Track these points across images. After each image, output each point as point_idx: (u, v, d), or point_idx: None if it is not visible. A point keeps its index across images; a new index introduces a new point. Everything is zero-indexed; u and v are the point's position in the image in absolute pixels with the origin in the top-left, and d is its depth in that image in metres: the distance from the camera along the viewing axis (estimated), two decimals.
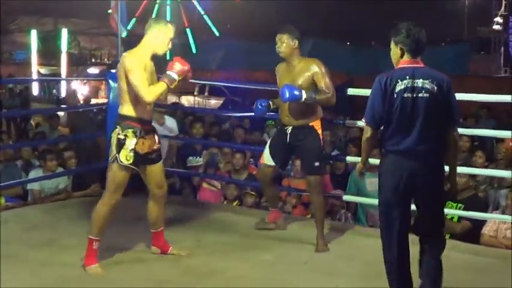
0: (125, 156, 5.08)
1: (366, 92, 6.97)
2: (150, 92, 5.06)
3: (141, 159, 5.18)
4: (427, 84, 4.28)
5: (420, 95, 4.27)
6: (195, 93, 26.38)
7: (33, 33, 33.15)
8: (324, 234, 6.03)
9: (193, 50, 22.03)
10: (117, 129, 5.12)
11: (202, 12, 21.32)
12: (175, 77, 5.17)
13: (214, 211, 7.28)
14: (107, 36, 37.16)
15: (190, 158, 8.91)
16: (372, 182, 7.80)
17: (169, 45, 5.28)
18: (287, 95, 5.59)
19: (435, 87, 4.28)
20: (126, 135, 5.08)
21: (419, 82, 4.27)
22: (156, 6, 19.84)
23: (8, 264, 5.31)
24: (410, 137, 4.30)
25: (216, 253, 5.78)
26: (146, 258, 5.49)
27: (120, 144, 5.08)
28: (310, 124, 5.90)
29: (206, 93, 25.91)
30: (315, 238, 5.97)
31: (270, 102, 6.15)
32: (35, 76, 29.67)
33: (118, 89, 5.24)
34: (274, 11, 31.28)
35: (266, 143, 6.57)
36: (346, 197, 7.31)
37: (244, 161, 8.34)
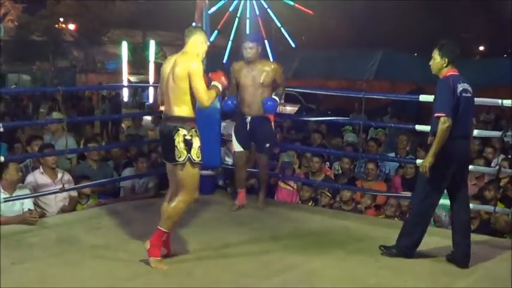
0: (196, 154, 5.16)
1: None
2: (210, 98, 5.24)
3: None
4: (469, 87, 5.35)
5: (469, 94, 5.32)
6: None
7: (124, 45, 33.88)
8: (264, 200, 7.20)
9: (271, 60, 22.10)
10: (181, 131, 5.11)
11: (279, 25, 21.34)
12: (221, 88, 5.38)
13: (290, 210, 7.31)
14: None
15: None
16: None
17: None
18: (272, 108, 6.84)
19: (471, 90, 5.36)
20: (191, 136, 5.14)
21: (466, 85, 5.32)
22: (237, 19, 19.96)
23: (101, 254, 5.51)
24: (467, 125, 5.42)
25: (291, 249, 5.79)
26: (226, 254, 5.55)
27: (189, 144, 5.12)
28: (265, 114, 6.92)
29: (282, 101, 25.90)
30: (386, 237, 5.93)
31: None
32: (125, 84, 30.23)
33: (173, 90, 5.18)
34: (346, 24, 31.15)
35: (343, 147, 6.80)
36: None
37: (321, 164, 8.31)
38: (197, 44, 5.32)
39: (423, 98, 6.87)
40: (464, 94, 5.27)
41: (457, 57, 5.40)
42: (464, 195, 5.57)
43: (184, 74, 5.11)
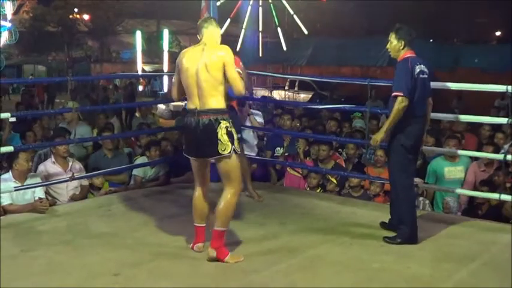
0: (237, 145, 5.10)
1: (450, 85, 6.96)
2: (244, 85, 5.17)
3: None
4: (425, 69, 5.61)
5: (425, 75, 5.59)
6: (286, 87, 26.54)
7: (138, 34, 33.95)
8: (254, 188, 7.23)
9: (284, 47, 22.11)
10: (223, 123, 4.98)
11: (292, 13, 21.34)
12: (242, 72, 5.29)
13: (298, 196, 7.39)
14: None
15: (278, 148, 9.03)
16: (450, 171, 7.74)
17: None
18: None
19: (428, 71, 5.63)
20: (231, 127, 5.05)
21: (422, 67, 5.58)
22: (249, 7, 19.97)
23: (109, 241, 5.62)
24: (424, 105, 5.71)
25: (297, 235, 5.85)
26: (233, 239, 5.55)
27: (232, 136, 5.02)
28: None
29: (296, 88, 26.00)
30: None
31: None
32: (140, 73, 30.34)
33: (207, 81, 5.00)
34: (360, 11, 31.05)
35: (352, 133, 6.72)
36: (422, 185, 7.23)
37: (329, 152, 8.31)
38: (215, 34, 5.22)
39: (435, 85, 6.83)
40: (421, 75, 5.55)
41: (413, 40, 5.67)
42: (413, 171, 5.86)
43: (220, 64, 5.00)
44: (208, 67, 5.00)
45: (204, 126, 5.00)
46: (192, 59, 5.11)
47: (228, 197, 5.07)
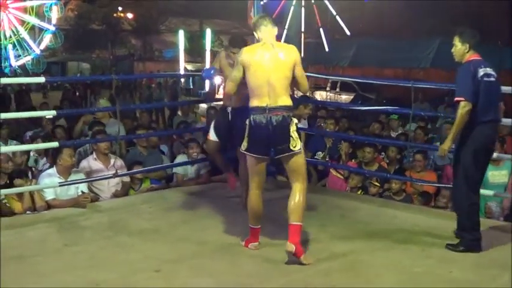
0: (303, 142, 5.24)
1: None
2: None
3: None
4: (492, 72, 5.45)
5: (492, 79, 5.41)
6: (327, 88, 26.45)
7: (181, 33, 34.15)
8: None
9: (326, 48, 22.03)
10: (293, 120, 5.13)
11: (334, 13, 21.23)
12: None
13: (338, 198, 7.35)
14: (247, 36, 37.83)
15: (319, 153, 9.01)
16: (494, 175, 7.63)
17: None
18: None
19: (495, 74, 5.46)
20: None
21: (488, 70, 5.42)
22: (292, 7, 19.92)
23: (150, 238, 5.68)
24: (492, 110, 5.44)
25: (338, 237, 5.81)
26: (273, 240, 5.53)
27: (299, 133, 5.17)
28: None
29: (337, 89, 25.90)
30: (436, 227, 5.95)
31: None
32: (182, 72, 30.53)
33: (280, 79, 5.12)
34: (403, 11, 30.80)
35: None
36: None
37: (374, 154, 8.22)
38: (274, 32, 5.31)
39: None
40: (486, 78, 5.37)
41: (477, 43, 5.52)
42: (477, 179, 5.61)
43: (292, 64, 5.15)
44: (282, 66, 5.13)
45: (278, 122, 5.08)
46: (262, 57, 5.17)
47: (300, 192, 5.15)
